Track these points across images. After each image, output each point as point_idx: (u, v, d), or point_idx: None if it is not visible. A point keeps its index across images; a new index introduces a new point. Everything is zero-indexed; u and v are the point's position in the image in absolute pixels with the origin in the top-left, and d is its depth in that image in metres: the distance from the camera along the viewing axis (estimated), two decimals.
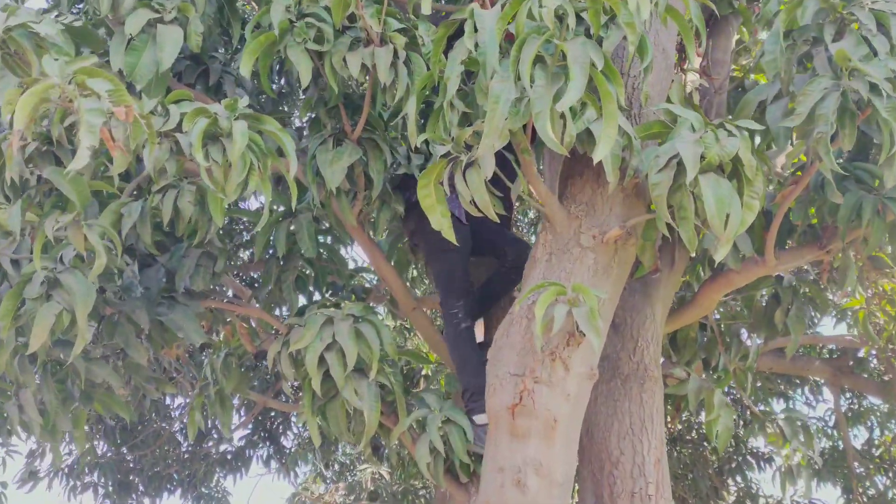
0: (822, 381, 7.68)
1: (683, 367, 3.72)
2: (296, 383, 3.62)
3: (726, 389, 4.13)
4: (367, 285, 5.03)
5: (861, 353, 6.77)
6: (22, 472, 6.49)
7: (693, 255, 3.43)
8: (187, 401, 7.02)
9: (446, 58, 2.48)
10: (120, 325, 3.28)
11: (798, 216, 3.25)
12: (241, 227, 5.06)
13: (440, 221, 2.54)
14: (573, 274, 2.56)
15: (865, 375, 6.86)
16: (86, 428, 6.18)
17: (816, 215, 3.31)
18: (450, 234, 2.54)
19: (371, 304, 3.57)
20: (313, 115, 3.23)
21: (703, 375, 3.69)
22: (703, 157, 2.33)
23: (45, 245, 2.66)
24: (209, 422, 6.41)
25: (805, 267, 4.07)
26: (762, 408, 6.64)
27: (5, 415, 3.30)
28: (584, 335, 2.49)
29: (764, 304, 3.92)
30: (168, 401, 6.76)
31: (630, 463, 2.92)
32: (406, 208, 3.46)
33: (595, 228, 2.60)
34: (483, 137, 2.22)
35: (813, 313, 4.27)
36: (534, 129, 2.37)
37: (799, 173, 3.22)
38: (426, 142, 3.67)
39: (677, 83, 3.14)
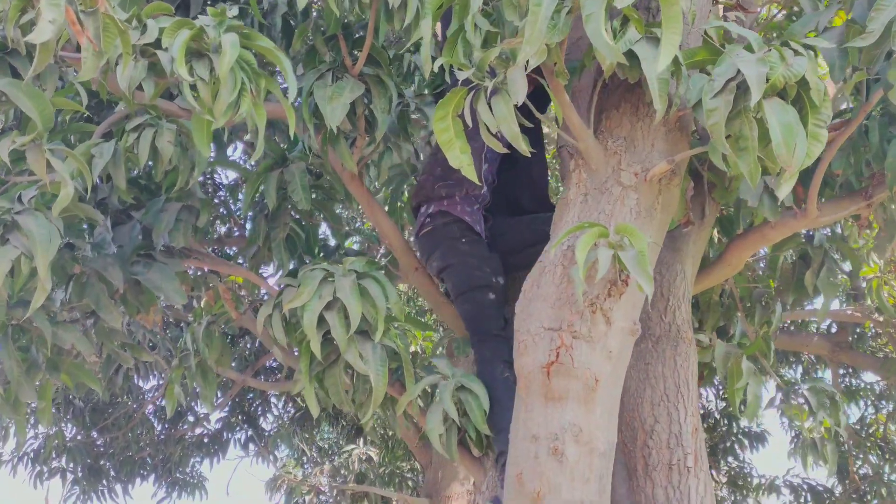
0: (815, 359, 7.52)
1: (707, 333, 3.45)
2: (292, 352, 3.28)
3: None
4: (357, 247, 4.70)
5: (860, 328, 6.59)
6: None
7: (726, 203, 3.18)
8: (161, 382, 6.66)
9: None
10: (91, 284, 2.92)
11: (840, 164, 2.97)
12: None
13: (458, 158, 2.21)
14: (613, 216, 2.25)
15: (866, 351, 6.70)
16: (53, 410, 5.80)
17: (855, 164, 3.04)
18: (470, 173, 2.21)
19: (375, 259, 3.24)
20: (309, 47, 2.88)
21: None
22: (766, 79, 2.03)
23: (1, 182, 2.30)
24: (186, 401, 6.06)
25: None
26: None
27: None
28: (627, 284, 2.20)
29: (791, 265, 3.64)
30: (141, 382, 6.37)
31: (666, 432, 2.62)
32: (427, 243, 3.04)
33: (637, 165, 2.29)
34: (522, 48, 1.89)
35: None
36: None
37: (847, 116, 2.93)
38: (434, 81, 3.39)
39: (714, 13, 2.84)
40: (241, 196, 5.05)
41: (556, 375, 2.14)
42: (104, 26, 1.92)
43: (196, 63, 2.11)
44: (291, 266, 3.40)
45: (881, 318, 5.62)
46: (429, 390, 2.76)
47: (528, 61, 2.00)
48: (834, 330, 6.58)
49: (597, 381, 2.15)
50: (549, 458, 2.11)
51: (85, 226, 3.17)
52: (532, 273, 2.32)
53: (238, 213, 5.28)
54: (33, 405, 3.27)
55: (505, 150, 2.28)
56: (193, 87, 2.11)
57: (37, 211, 2.30)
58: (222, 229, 4.56)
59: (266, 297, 3.27)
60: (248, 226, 4.88)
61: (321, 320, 2.67)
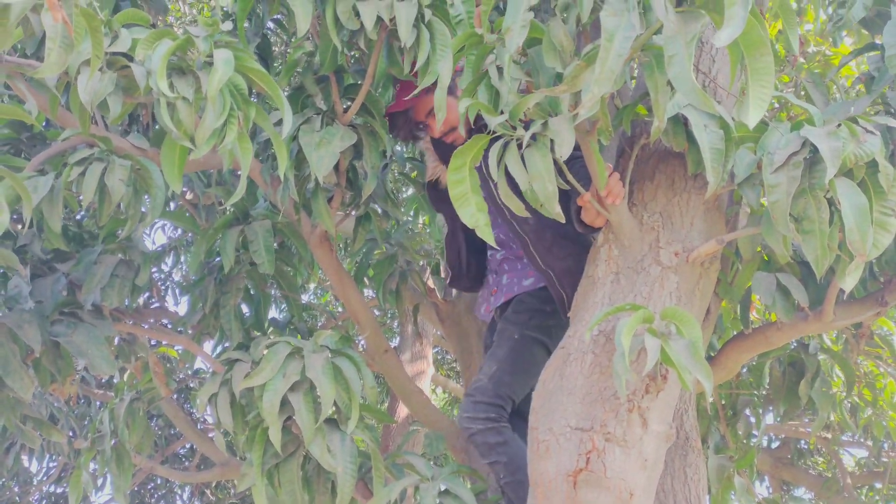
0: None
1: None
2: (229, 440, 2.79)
3: None
4: (311, 323, 4.29)
5: (804, 444, 6.44)
6: None
7: (730, 300, 2.93)
8: (55, 464, 5.89)
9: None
10: None
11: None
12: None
13: (475, 216, 1.88)
14: (651, 299, 1.94)
15: (807, 467, 6.53)
16: None
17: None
18: (487, 234, 1.88)
19: (349, 335, 2.82)
20: (295, 87, 2.53)
21: None
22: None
23: None
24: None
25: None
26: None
27: None
28: (666, 381, 1.87)
29: (782, 374, 3.40)
30: (33, 464, 5.59)
31: None
32: None
33: (677, 244, 2.00)
34: (587, 90, 1.60)
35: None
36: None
37: None
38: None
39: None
40: (171, 259, 4.61)
41: (584, 486, 1.77)
42: (74, 21, 1.54)
43: (177, 79, 1.75)
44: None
45: (828, 436, 5.47)
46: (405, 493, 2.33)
47: (576, 113, 1.71)
48: (775, 445, 6.41)
49: (631, 495, 1.78)
50: None
51: None
52: (553, 361, 1.97)
53: (159, 282, 4.78)
54: None
55: (527, 214, 1.97)
56: (170, 107, 1.74)
57: None
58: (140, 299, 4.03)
59: (209, 373, 2.81)
60: (184, 294, 4.38)
61: (284, 404, 2.23)
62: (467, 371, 3.36)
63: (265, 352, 2.32)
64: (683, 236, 2.03)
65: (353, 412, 2.24)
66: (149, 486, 6.95)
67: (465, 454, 2.89)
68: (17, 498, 5.69)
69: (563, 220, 1.89)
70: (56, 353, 2.52)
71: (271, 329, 3.23)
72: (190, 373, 3.72)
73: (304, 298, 5.58)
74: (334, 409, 2.27)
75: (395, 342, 6.74)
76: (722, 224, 2.15)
